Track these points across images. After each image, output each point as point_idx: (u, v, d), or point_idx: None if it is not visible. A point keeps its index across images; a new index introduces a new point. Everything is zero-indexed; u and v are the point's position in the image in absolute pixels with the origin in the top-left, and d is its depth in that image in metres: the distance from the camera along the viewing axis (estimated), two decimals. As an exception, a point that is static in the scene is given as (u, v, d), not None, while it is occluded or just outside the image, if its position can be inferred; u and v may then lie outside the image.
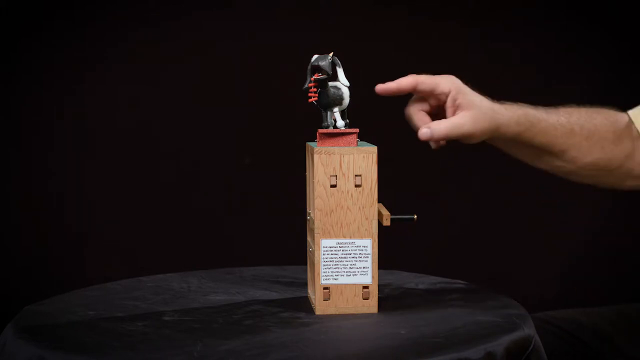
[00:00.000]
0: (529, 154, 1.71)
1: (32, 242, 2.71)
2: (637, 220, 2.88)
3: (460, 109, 1.55)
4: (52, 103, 2.69)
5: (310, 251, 1.50)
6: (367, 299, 1.44)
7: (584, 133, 1.69)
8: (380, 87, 1.54)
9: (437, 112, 1.60)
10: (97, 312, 1.46)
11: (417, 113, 1.59)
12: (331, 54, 1.44)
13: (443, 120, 1.55)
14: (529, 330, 1.35)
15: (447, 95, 1.56)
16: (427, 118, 1.59)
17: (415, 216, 1.48)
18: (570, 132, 1.68)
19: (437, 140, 1.56)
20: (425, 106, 1.59)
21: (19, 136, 2.70)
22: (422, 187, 2.80)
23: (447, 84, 1.56)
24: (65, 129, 2.71)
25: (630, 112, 1.76)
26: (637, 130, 1.74)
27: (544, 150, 1.68)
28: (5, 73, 2.66)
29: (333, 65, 1.44)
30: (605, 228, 2.87)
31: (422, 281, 1.65)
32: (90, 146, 2.73)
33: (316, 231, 1.43)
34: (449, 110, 1.57)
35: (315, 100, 1.44)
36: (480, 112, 1.56)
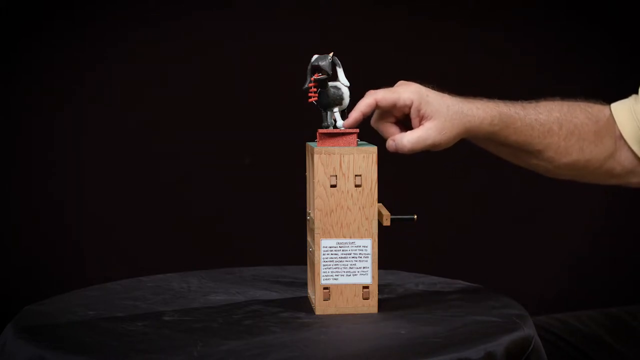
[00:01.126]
0: (505, 152, 1.67)
1: (32, 242, 2.71)
2: (637, 220, 2.88)
3: (425, 119, 1.51)
4: (52, 103, 2.69)
5: (310, 251, 1.50)
6: (367, 299, 1.44)
7: (562, 133, 1.65)
8: (346, 123, 1.47)
9: (405, 120, 1.55)
10: (97, 312, 1.46)
11: (382, 125, 1.55)
12: (331, 54, 1.44)
13: (407, 134, 1.51)
14: (529, 330, 1.35)
15: (409, 107, 1.51)
16: (393, 128, 1.54)
17: (415, 216, 1.48)
18: (548, 132, 1.64)
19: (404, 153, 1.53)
20: (391, 118, 1.54)
21: (19, 136, 2.70)
22: (422, 187, 2.80)
23: (408, 95, 1.51)
24: (65, 129, 2.71)
25: (613, 106, 1.72)
26: (620, 130, 1.72)
27: (520, 149, 1.64)
28: (5, 73, 2.66)
29: (333, 65, 1.44)
30: (605, 228, 2.87)
31: (422, 281, 1.65)
32: (90, 146, 2.73)
33: (316, 231, 1.43)
34: (414, 121, 1.52)
35: (315, 100, 1.44)
36: (447, 121, 1.52)
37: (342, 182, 1.42)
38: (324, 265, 1.43)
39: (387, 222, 1.44)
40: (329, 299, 1.43)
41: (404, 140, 1.51)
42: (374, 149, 1.42)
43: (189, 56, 2.73)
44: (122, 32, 2.70)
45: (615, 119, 1.71)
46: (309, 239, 1.52)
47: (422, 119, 1.52)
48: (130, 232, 2.75)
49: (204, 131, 2.76)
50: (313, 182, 1.43)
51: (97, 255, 2.74)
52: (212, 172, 2.78)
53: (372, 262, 1.43)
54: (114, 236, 2.75)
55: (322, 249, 1.42)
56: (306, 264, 1.56)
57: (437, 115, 1.52)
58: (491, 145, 1.66)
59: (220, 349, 1.26)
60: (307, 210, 1.52)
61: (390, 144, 1.51)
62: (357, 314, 1.43)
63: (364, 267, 1.43)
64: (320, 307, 1.43)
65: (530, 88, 2.73)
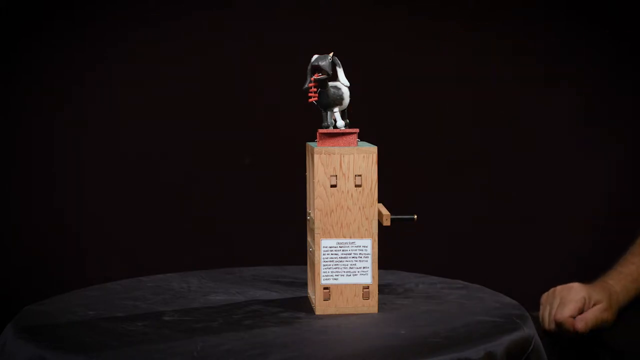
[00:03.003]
0: None
1: (32, 242, 2.71)
2: (638, 220, 2.88)
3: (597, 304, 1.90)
4: (52, 103, 2.69)
5: (310, 251, 1.50)
6: (367, 299, 1.44)
7: None
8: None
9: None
10: (97, 312, 1.46)
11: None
12: (331, 54, 1.44)
13: (589, 314, 1.89)
14: (529, 330, 1.35)
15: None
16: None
17: (415, 216, 1.48)
18: None
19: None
20: None
21: (19, 136, 2.70)
22: (422, 187, 2.80)
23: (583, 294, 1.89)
24: (65, 129, 2.71)
25: None
26: None
27: None
28: (5, 73, 2.66)
29: (333, 65, 1.44)
30: (605, 228, 2.87)
31: (422, 281, 1.65)
32: (90, 146, 2.73)
33: (316, 231, 1.43)
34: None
35: (315, 100, 1.44)
36: (609, 303, 1.87)
37: (342, 182, 1.42)
38: (324, 265, 1.43)
39: (387, 222, 1.44)
40: (329, 299, 1.43)
41: (588, 320, 1.87)
42: (374, 149, 1.42)
43: (189, 56, 2.73)
44: (122, 32, 2.70)
45: None
46: (309, 239, 1.52)
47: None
48: (130, 232, 2.75)
49: (204, 131, 2.76)
50: (313, 182, 1.43)
51: (97, 255, 2.74)
52: (212, 172, 2.78)
53: (372, 262, 1.43)
54: (114, 236, 2.74)
55: (322, 249, 1.42)
56: (306, 264, 1.56)
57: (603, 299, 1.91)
58: None
59: (220, 349, 1.26)
60: (307, 210, 1.52)
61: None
62: (357, 314, 1.43)
63: (364, 267, 1.43)
64: (320, 307, 1.43)
65: (530, 88, 2.74)
